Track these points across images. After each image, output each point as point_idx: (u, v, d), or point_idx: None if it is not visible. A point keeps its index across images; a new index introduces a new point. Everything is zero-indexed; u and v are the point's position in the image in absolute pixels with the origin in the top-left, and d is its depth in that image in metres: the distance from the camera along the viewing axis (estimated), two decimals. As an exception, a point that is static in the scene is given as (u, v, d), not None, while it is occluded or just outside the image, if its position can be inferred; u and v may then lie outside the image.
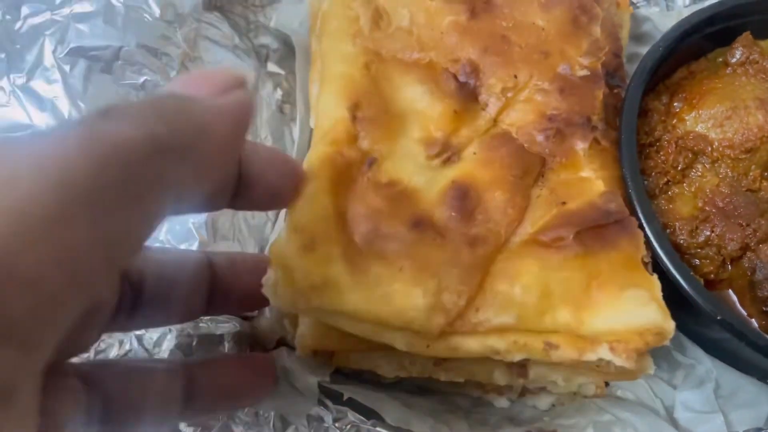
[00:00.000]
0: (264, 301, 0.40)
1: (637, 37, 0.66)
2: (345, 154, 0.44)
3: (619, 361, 0.40)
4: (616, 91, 0.53)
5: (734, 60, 0.58)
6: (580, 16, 0.52)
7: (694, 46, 0.59)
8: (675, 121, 0.56)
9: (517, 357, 0.42)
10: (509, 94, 0.49)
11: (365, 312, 0.40)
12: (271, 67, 0.63)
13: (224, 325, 0.48)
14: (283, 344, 0.49)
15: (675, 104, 0.57)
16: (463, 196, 0.43)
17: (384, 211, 0.42)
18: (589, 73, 0.51)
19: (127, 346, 0.46)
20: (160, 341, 0.46)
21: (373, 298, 0.39)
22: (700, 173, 0.54)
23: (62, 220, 0.20)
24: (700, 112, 0.56)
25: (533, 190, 0.46)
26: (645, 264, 0.45)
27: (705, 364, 0.53)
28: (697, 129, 0.55)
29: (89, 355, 0.43)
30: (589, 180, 0.46)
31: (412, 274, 0.40)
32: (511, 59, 0.50)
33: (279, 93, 0.62)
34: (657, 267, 0.47)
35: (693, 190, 0.54)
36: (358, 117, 0.45)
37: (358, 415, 0.46)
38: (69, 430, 0.30)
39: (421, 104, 0.47)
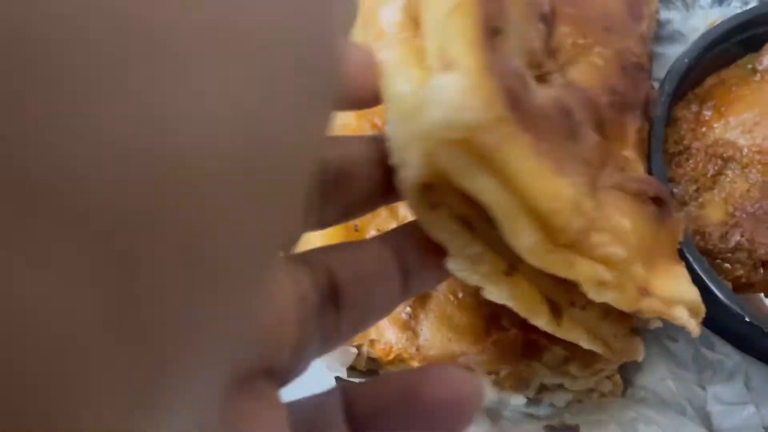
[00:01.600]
0: None
1: (658, 39, 0.65)
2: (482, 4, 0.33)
3: (692, 325, 0.38)
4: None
5: (762, 66, 0.58)
6: (634, 9, 0.52)
7: (724, 54, 0.59)
8: (704, 129, 0.55)
9: (609, 296, 0.37)
10: (577, 50, 0.47)
11: (524, 176, 0.31)
12: None
13: None
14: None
15: (704, 112, 0.56)
16: (568, 114, 0.38)
17: (518, 83, 0.33)
18: (638, 62, 0.49)
19: None
20: None
21: (530, 167, 0.31)
22: (730, 179, 0.53)
23: None
24: (729, 119, 0.55)
25: None
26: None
27: (734, 358, 0.51)
28: (726, 136, 0.54)
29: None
30: (631, 160, 0.44)
31: (552, 160, 0.33)
32: (582, 18, 0.48)
33: None
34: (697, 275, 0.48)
35: (723, 196, 0.53)
36: None
37: None
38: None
39: (515, 13, 0.39)
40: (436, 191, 0.34)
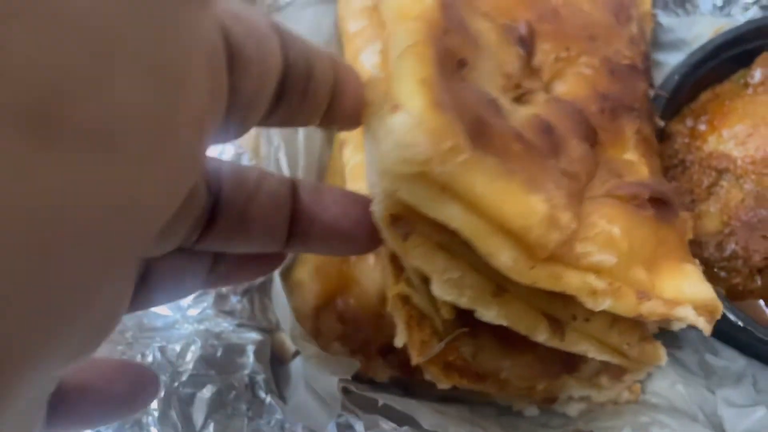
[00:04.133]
0: (344, 245, 0.36)
1: (660, 45, 0.67)
2: (440, 38, 0.36)
3: (700, 324, 0.38)
4: (649, 88, 0.53)
5: (754, 80, 0.59)
6: (620, 12, 0.53)
7: (718, 69, 0.61)
8: (699, 142, 0.57)
9: (606, 303, 0.37)
10: (560, 65, 0.48)
11: (491, 200, 0.32)
12: None
13: (247, 336, 0.47)
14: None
15: (699, 126, 0.58)
16: (549, 131, 0.39)
17: (486, 111, 0.35)
18: (631, 63, 0.50)
19: (149, 358, 0.44)
20: (183, 352, 0.44)
21: (495, 189, 0.32)
22: (725, 190, 0.54)
23: None
24: (722, 132, 0.57)
25: None
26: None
27: (739, 362, 0.52)
28: (720, 148, 0.56)
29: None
30: (634, 163, 0.45)
31: (524, 180, 0.34)
32: (563, 32, 0.48)
33: None
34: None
35: (719, 206, 0.54)
36: (446, 10, 0.38)
37: (390, 423, 0.44)
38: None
39: (491, 38, 0.43)
40: (408, 221, 0.35)
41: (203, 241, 0.32)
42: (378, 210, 0.34)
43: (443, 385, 0.46)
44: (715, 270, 0.52)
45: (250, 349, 0.46)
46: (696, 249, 0.52)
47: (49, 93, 0.14)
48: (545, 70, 0.46)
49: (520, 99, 0.42)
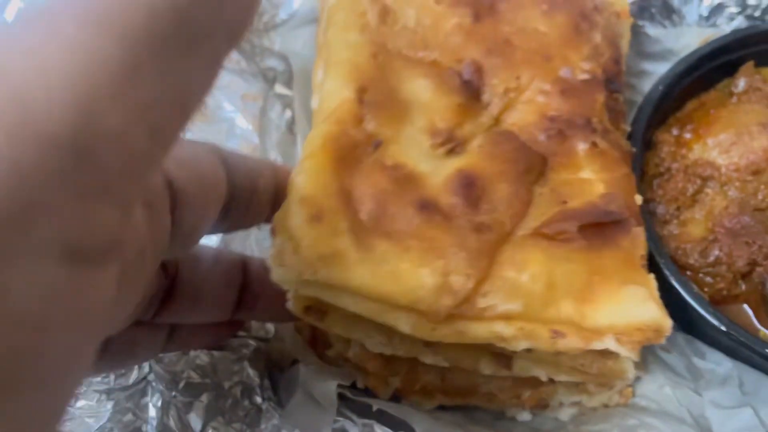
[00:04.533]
0: (285, 316, 0.41)
1: (648, 55, 0.68)
2: (350, 134, 0.43)
3: (624, 351, 0.41)
4: (615, 95, 0.54)
5: (738, 89, 0.61)
6: (581, 22, 0.54)
7: (703, 79, 0.62)
8: (684, 150, 0.58)
9: (522, 345, 0.41)
10: (511, 95, 0.50)
11: (372, 288, 0.39)
12: (279, 88, 0.65)
13: (243, 345, 0.49)
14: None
15: (684, 135, 0.59)
16: (469, 185, 0.43)
17: (391, 191, 0.42)
18: (589, 77, 0.52)
19: (146, 368, 0.46)
20: (180, 361, 0.46)
21: (380, 275, 0.39)
22: (710, 197, 0.55)
23: (133, 74, 0.19)
24: (707, 140, 0.58)
25: (535, 188, 0.46)
26: (642, 266, 0.45)
27: (725, 364, 0.52)
28: (704, 156, 0.57)
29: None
30: (589, 181, 0.47)
31: (419, 254, 0.40)
32: (513, 61, 0.51)
33: (288, 114, 0.63)
34: (666, 285, 0.50)
35: (704, 213, 0.55)
36: (365, 100, 0.46)
37: (385, 428, 0.46)
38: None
39: (426, 96, 0.48)
40: (320, 309, 0.43)
41: (160, 315, 0.38)
42: (291, 306, 0.42)
43: (429, 406, 0.50)
44: (700, 275, 0.53)
45: (246, 357, 0.48)
46: (681, 255, 0.54)
47: None
48: (495, 104, 0.50)
49: (451, 151, 0.46)
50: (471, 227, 0.42)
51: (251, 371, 0.48)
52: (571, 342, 0.41)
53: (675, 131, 0.60)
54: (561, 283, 0.42)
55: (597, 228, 0.44)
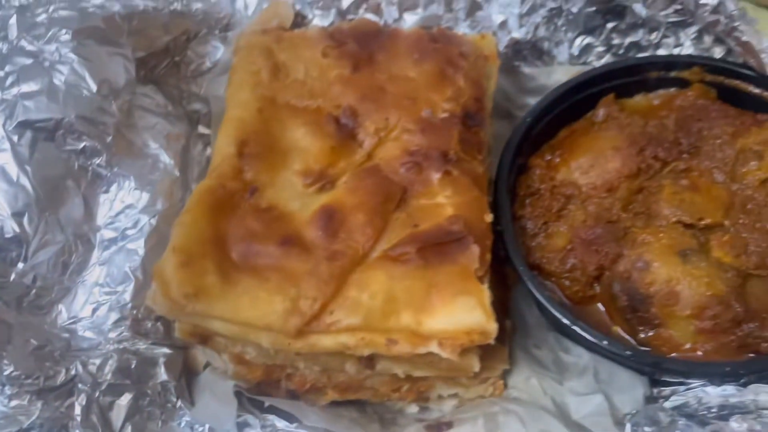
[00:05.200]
0: None
1: (527, 90, 0.77)
2: (227, 186, 0.54)
3: (444, 354, 0.49)
4: (474, 129, 0.62)
5: (598, 119, 0.69)
6: (446, 68, 0.62)
7: (572, 109, 0.70)
8: (553, 173, 0.66)
9: (365, 351, 0.50)
10: (381, 134, 0.59)
11: (233, 315, 0.49)
12: (202, 129, 0.72)
13: (159, 351, 0.57)
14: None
15: (554, 160, 0.68)
16: (330, 218, 0.53)
17: (259, 232, 0.52)
18: (448, 115, 0.60)
19: (73, 371, 0.53)
20: (102, 365, 0.54)
21: (240, 304, 0.49)
22: (572, 212, 0.63)
23: None
24: (571, 163, 0.67)
25: (394, 214, 0.55)
26: (479, 277, 0.52)
27: (584, 357, 0.60)
28: (568, 177, 0.65)
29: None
30: (441, 205, 0.55)
31: (277, 284, 0.50)
32: (384, 105, 0.60)
33: (208, 151, 0.70)
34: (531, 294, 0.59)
35: (567, 227, 0.63)
36: (245, 153, 0.56)
37: (283, 420, 0.54)
38: None
39: (304, 142, 0.58)
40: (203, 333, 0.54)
41: None
42: (177, 333, 0.55)
43: (323, 402, 0.58)
44: (562, 280, 0.62)
45: (162, 362, 0.56)
46: (546, 263, 0.62)
47: None
48: (368, 142, 0.59)
49: (322, 188, 0.56)
50: (326, 256, 0.51)
51: (167, 374, 0.56)
52: (403, 348, 0.50)
53: (547, 156, 0.69)
54: (401, 297, 0.51)
55: (437, 247, 0.52)
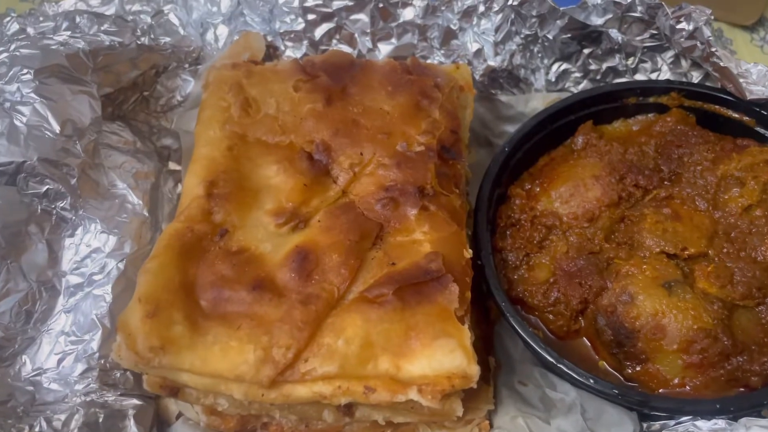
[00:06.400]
0: None
1: (505, 118, 0.76)
2: (195, 229, 0.51)
3: (425, 401, 0.47)
4: (451, 162, 0.60)
5: (577, 146, 0.68)
6: (421, 100, 0.61)
7: (551, 137, 0.69)
8: (533, 203, 0.65)
9: (343, 400, 0.48)
10: (356, 169, 0.57)
11: (201, 367, 0.47)
12: (173, 165, 0.71)
13: (128, 402, 0.54)
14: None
15: (534, 189, 0.66)
16: (303, 259, 0.50)
17: (229, 277, 0.49)
18: (424, 148, 0.58)
19: (36, 428, 0.51)
20: (68, 421, 0.51)
21: (210, 355, 0.47)
22: (554, 243, 0.62)
23: None
24: (551, 192, 0.65)
25: (370, 253, 0.53)
26: (459, 317, 0.51)
27: (571, 394, 0.58)
28: (549, 207, 0.64)
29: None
30: (419, 242, 0.53)
31: (248, 332, 0.47)
32: (358, 139, 0.58)
33: (179, 188, 0.68)
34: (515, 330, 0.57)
35: (549, 258, 0.62)
36: (214, 194, 0.53)
37: None
38: None
39: (276, 180, 0.55)
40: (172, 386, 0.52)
41: None
42: (146, 386, 0.53)
43: None
44: (545, 314, 0.60)
45: (132, 414, 0.54)
46: (528, 297, 0.60)
47: None
48: (342, 178, 0.57)
49: (295, 228, 0.54)
50: (299, 299, 0.49)
51: (137, 428, 0.54)
52: (381, 396, 0.48)
53: (527, 185, 0.67)
54: (378, 342, 0.48)
55: (414, 287, 0.50)
